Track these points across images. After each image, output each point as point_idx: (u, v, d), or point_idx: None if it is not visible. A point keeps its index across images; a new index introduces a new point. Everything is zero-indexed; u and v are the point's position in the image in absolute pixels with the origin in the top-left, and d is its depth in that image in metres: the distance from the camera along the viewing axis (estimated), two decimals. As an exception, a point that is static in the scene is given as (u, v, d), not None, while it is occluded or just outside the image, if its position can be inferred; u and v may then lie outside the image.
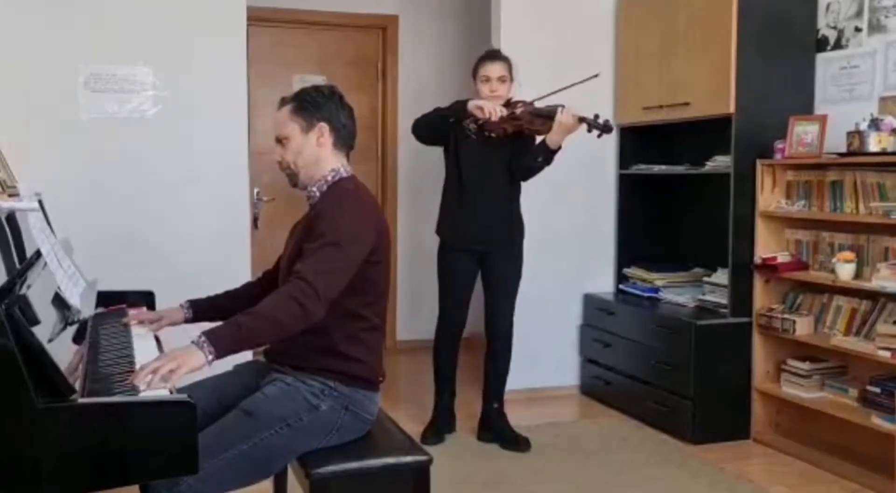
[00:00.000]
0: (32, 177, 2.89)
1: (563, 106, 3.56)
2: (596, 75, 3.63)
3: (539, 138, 3.67)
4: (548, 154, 3.64)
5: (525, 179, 3.81)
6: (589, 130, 3.54)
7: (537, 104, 3.66)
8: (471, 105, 3.65)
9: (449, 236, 3.85)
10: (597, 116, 3.53)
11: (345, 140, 2.40)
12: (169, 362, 1.90)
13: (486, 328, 3.91)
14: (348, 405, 2.28)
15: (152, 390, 1.80)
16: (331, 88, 2.41)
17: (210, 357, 1.97)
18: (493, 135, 3.67)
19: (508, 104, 3.72)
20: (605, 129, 3.50)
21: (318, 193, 2.37)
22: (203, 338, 1.99)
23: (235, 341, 2.03)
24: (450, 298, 3.86)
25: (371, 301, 2.33)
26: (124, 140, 3.85)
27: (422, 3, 5.75)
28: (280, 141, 2.37)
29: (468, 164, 3.75)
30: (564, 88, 3.61)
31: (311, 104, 2.34)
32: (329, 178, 2.37)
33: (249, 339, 2.06)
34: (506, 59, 3.76)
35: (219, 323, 2.10)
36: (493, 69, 3.71)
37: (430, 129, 3.81)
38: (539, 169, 3.72)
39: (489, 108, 3.60)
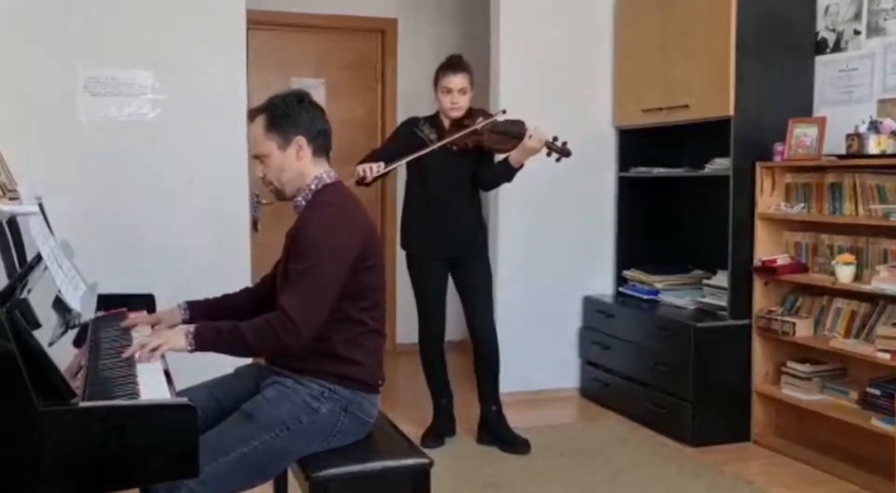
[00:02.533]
0: (33, 180, 2.89)
1: (524, 123, 3.60)
2: (503, 111, 3.68)
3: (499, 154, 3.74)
4: (510, 173, 3.70)
5: (486, 190, 3.91)
6: (548, 154, 3.63)
7: (499, 119, 3.68)
8: (357, 169, 3.62)
9: (417, 247, 3.88)
10: (555, 139, 3.60)
11: (323, 146, 2.37)
12: (157, 338, 2.18)
13: (470, 332, 3.92)
14: (348, 408, 2.28)
15: (146, 365, 2.02)
16: (299, 95, 2.35)
17: (189, 347, 2.19)
18: (454, 148, 3.70)
19: (470, 114, 3.75)
20: (563, 153, 3.61)
21: (303, 203, 2.35)
22: (192, 329, 2.20)
23: (213, 345, 2.20)
24: (427, 305, 3.89)
25: (369, 305, 2.33)
26: (124, 143, 3.86)
27: (421, 6, 5.76)
28: (258, 158, 2.35)
29: (433, 174, 3.76)
30: (494, 117, 3.68)
31: (283, 118, 2.29)
32: (313, 186, 2.35)
33: (226, 350, 2.23)
34: (467, 70, 3.76)
35: (215, 323, 2.26)
36: (455, 81, 3.71)
37: None
38: (500, 184, 3.82)
39: (360, 169, 3.59)
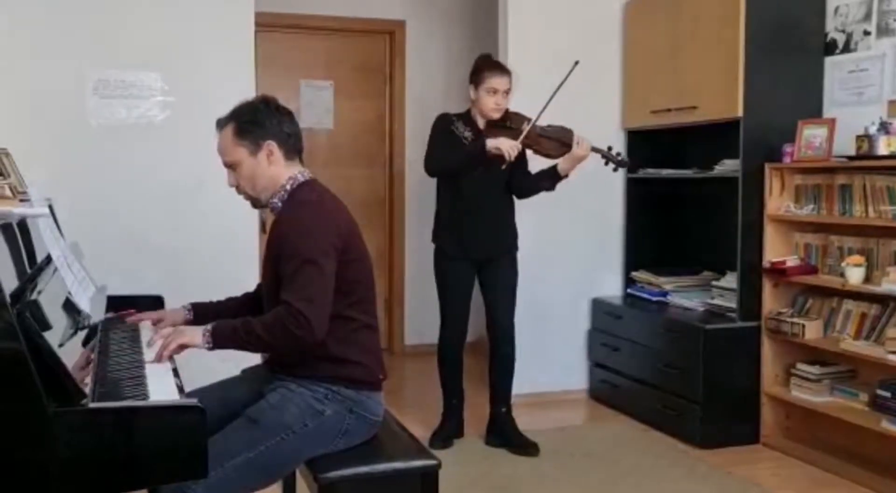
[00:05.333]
0: (42, 182, 2.90)
1: (572, 130, 3.62)
2: (576, 63, 3.65)
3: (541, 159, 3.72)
4: (555, 181, 3.72)
5: (521, 198, 3.87)
6: (606, 164, 3.71)
7: (542, 123, 3.67)
8: (490, 146, 3.56)
9: (448, 245, 3.86)
10: (610, 148, 3.69)
11: (294, 147, 2.36)
12: (178, 336, 2.19)
13: (488, 331, 3.92)
14: (353, 408, 2.28)
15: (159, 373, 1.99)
16: (264, 99, 2.36)
17: (207, 345, 2.19)
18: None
19: (507, 116, 3.74)
20: (620, 163, 3.71)
21: (279, 203, 2.34)
22: (209, 327, 2.21)
23: (229, 342, 2.21)
24: (452, 306, 3.88)
25: (356, 301, 2.31)
26: (133, 145, 3.87)
27: (429, 8, 5.76)
28: (230, 166, 2.35)
29: (467, 176, 3.75)
30: (555, 92, 3.61)
31: (251, 124, 2.30)
32: (288, 187, 2.34)
33: (242, 347, 2.23)
34: (511, 72, 3.76)
35: (230, 321, 2.24)
36: (502, 82, 3.71)
37: (453, 173, 3.74)
38: (539, 191, 3.82)
39: (507, 148, 3.53)
